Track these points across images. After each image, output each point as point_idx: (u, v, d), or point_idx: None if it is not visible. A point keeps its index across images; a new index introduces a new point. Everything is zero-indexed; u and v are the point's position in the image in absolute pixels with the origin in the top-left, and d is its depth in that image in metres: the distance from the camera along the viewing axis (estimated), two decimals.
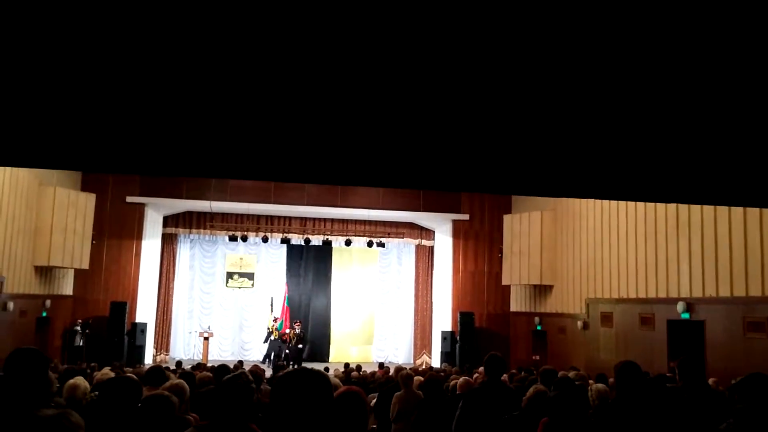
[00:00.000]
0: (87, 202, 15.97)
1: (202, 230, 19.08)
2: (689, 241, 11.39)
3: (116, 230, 17.28)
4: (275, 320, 19.39)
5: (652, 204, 12.41)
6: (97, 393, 4.12)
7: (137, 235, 17.59)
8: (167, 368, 7.79)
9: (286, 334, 18.50)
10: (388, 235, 19.71)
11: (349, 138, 1.83)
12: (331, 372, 11.32)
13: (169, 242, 19.08)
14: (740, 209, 10.15)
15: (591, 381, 6.01)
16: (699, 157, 1.97)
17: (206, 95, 1.65)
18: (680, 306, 11.44)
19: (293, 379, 1.86)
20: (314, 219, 19.46)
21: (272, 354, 18.45)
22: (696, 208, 11.22)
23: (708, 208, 10.93)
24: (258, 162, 1.96)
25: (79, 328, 16.06)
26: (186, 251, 20.05)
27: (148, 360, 16.83)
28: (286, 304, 19.66)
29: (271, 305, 19.71)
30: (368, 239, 19.35)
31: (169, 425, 3.20)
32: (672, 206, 11.85)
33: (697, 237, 11.21)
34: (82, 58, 1.50)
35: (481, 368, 7.27)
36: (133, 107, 1.65)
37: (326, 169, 2.01)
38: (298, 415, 1.81)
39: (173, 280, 19.28)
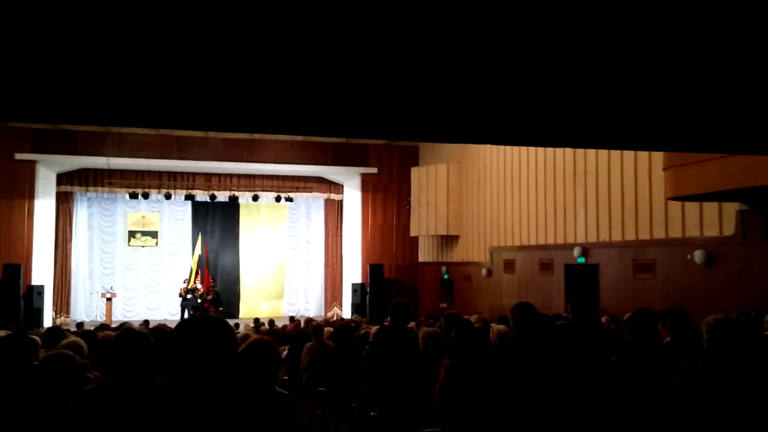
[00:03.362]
0: None
1: (99, 188, 18.26)
2: (585, 189, 11.95)
3: (5, 189, 16.31)
4: (185, 281, 18.84)
5: (551, 154, 12.89)
6: None
7: (29, 194, 16.66)
8: (68, 330, 7.50)
9: (209, 292, 18.13)
10: (297, 189, 19.56)
11: (255, 83, 1.78)
12: (241, 328, 11.26)
13: (64, 201, 18.17)
14: (631, 158, 10.72)
15: (493, 324, 6.27)
16: (593, 102, 2.05)
17: (98, 32, 1.55)
18: (576, 251, 12.05)
19: (193, 326, 1.84)
20: (219, 174, 19.00)
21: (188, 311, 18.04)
22: (591, 157, 11.75)
23: (602, 157, 11.46)
24: (157, 107, 1.87)
25: None
26: (83, 210, 19.18)
27: (48, 323, 16.14)
28: (206, 267, 19.14)
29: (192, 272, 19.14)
30: (276, 194, 19.14)
31: (70, 384, 3.10)
32: (569, 156, 12.35)
33: (592, 185, 11.78)
34: None
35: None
36: (16, 45, 1.55)
37: (231, 115, 1.95)
38: (199, 361, 1.80)
39: (71, 240, 18.45)
